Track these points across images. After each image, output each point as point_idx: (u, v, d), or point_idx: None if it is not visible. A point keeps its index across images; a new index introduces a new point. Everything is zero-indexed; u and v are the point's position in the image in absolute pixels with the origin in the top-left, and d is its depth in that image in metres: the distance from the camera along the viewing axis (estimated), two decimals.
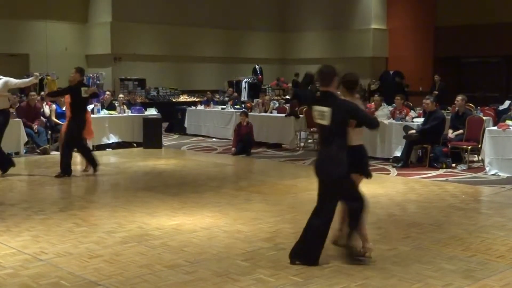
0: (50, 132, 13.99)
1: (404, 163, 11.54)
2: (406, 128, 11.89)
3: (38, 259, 5.72)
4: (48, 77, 12.22)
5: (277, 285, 5.05)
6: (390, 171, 11.20)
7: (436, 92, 17.92)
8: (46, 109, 14.18)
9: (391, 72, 22.89)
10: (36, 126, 13.34)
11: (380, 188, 9.40)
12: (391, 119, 12.75)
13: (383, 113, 12.84)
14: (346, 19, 24.65)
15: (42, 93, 14.23)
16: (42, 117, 13.91)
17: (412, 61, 23.23)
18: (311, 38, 25.74)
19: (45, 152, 13.12)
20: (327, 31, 25.13)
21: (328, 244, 6.19)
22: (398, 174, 10.89)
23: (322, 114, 5.48)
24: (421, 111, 13.70)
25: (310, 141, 14.58)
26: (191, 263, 5.61)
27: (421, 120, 12.28)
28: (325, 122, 5.47)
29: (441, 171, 11.06)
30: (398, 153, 12.03)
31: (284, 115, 14.98)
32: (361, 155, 5.93)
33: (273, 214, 7.66)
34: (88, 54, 22.72)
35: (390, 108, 13.53)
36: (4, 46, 20.35)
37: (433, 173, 10.93)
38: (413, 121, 12.38)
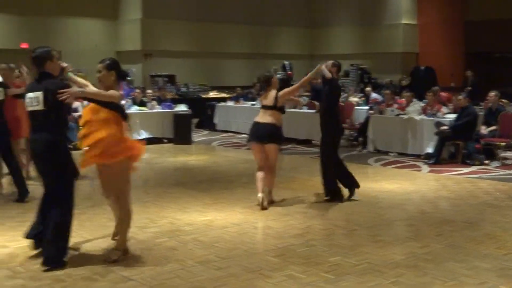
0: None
1: (436, 159, 11.42)
2: (438, 124, 11.76)
3: (70, 252, 5.78)
4: (80, 73, 12.32)
5: (309, 282, 5.03)
6: (421, 167, 11.08)
7: (469, 88, 17.69)
8: (77, 104, 14.32)
9: (422, 68, 22.64)
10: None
11: (412, 184, 9.31)
12: (423, 115, 12.62)
13: (414, 109, 12.71)
14: (376, 14, 24.43)
15: None
16: (73, 113, 14.05)
17: (443, 57, 22.93)
18: (341, 33, 25.56)
19: (76, 147, 13.22)
20: (356, 27, 24.93)
21: (355, 242, 6.16)
22: (430, 171, 10.77)
23: None
24: (452, 107, 13.52)
25: None
26: (222, 258, 5.62)
27: (453, 116, 12.13)
28: None
29: (474, 168, 10.91)
30: (430, 150, 11.89)
31: (314, 111, 14.89)
32: None
33: (303, 210, 7.63)
34: (118, 51, 22.90)
35: (422, 104, 13.38)
36: (38, 43, 20.36)
37: (465, 170, 10.78)
38: (445, 117, 12.23)
